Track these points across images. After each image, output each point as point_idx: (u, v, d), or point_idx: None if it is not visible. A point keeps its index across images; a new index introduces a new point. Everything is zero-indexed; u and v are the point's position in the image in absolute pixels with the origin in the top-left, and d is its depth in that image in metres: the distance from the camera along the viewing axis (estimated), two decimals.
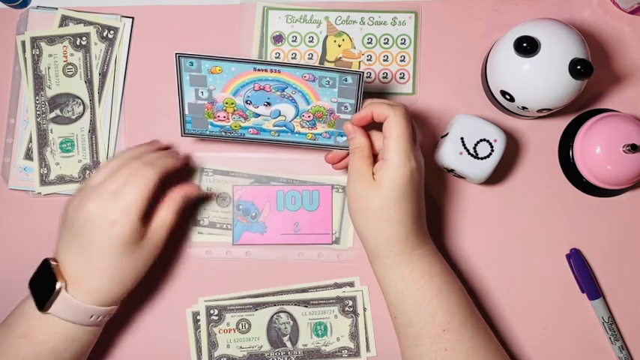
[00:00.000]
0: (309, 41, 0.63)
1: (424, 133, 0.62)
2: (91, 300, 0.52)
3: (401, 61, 0.63)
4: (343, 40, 0.63)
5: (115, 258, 0.52)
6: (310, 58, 0.62)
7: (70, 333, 0.52)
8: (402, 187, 0.51)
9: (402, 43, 0.63)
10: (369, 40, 0.63)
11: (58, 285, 0.51)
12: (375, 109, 0.52)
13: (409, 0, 0.63)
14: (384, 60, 0.63)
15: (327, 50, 0.63)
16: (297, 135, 0.57)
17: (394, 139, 0.51)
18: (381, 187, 0.51)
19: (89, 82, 0.62)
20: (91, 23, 0.63)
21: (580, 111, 0.62)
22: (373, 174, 0.52)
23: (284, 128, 0.57)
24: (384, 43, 0.63)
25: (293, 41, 0.62)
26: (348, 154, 0.56)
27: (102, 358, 0.60)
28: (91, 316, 0.53)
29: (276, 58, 0.62)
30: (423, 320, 0.52)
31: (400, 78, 0.63)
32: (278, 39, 0.62)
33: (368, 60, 0.63)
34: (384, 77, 0.63)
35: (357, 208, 0.52)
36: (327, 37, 0.63)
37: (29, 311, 0.52)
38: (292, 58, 0.62)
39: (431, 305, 0.52)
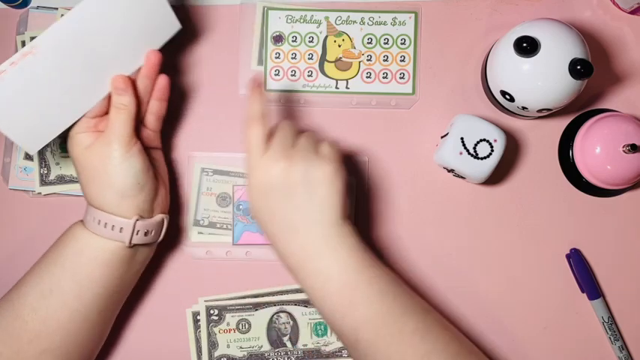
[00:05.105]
0: (309, 41, 0.63)
1: (424, 133, 0.62)
2: None
3: (401, 61, 0.63)
4: (343, 40, 0.63)
5: None
6: (310, 59, 0.62)
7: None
8: None
9: (402, 43, 0.63)
10: (369, 40, 0.63)
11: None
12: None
13: (409, 0, 0.63)
14: (384, 60, 0.63)
15: (327, 50, 0.62)
16: None
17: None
18: None
19: None
20: None
21: (580, 111, 0.62)
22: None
23: None
24: (384, 43, 0.63)
25: (293, 41, 0.62)
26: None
27: (102, 358, 0.60)
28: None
29: (276, 58, 0.62)
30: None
31: (400, 78, 0.63)
32: (278, 39, 0.62)
33: (368, 60, 0.63)
34: (384, 77, 0.63)
35: None
36: (327, 37, 0.63)
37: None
38: (292, 57, 0.62)
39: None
